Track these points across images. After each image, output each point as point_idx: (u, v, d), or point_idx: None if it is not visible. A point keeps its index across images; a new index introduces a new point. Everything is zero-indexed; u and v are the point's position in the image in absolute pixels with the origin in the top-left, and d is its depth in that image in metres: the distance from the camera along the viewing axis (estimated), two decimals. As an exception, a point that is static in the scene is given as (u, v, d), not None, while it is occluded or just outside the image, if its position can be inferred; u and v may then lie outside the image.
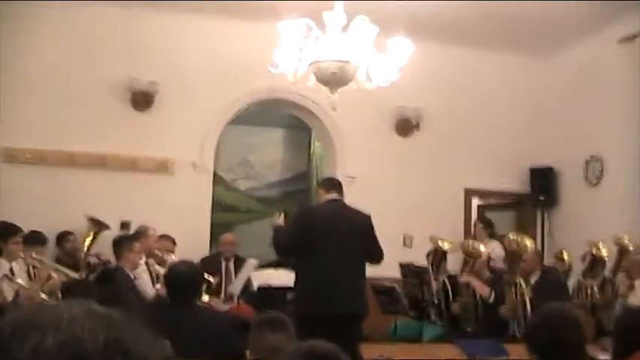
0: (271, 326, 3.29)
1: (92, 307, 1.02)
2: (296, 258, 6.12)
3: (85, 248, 7.98)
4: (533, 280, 6.56)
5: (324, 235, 5.95)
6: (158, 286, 6.68)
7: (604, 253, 7.17)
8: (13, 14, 8.30)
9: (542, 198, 9.70)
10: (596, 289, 6.97)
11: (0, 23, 8.20)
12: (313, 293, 5.88)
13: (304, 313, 5.75)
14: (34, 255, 6.49)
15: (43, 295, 5.91)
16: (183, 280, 4.58)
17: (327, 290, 5.85)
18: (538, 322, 3.10)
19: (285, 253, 6.46)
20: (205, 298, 6.38)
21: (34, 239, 6.96)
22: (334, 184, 6.40)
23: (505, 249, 6.84)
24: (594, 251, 7.18)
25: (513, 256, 6.53)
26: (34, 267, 6.45)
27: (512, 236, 6.83)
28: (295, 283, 6.11)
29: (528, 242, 6.60)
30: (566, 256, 7.83)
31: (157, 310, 5.29)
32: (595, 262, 7.18)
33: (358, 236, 6.11)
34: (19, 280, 6.03)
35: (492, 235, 8.95)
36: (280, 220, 6.33)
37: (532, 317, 3.23)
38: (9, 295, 5.97)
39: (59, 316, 0.97)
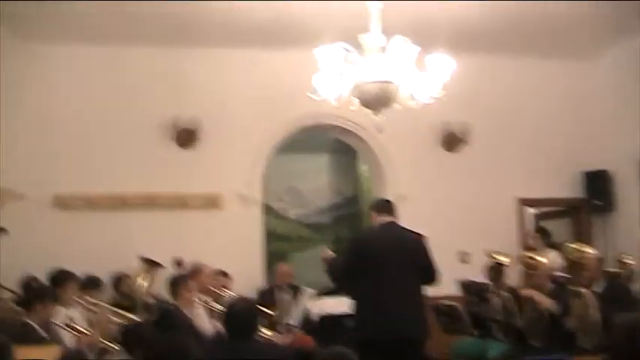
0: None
1: None
2: (353, 285, 5.99)
3: (142, 289, 7.97)
4: (597, 288, 6.36)
5: (379, 259, 5.85)
6: (216, 323, 6.62)
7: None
8: (60, 56, 8.43)
9: (597, 202, 9.48)
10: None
11: (47, 68, 8.33)
12: (371, 319, 5.76)
13: (365, 340, 5.65)
14: (91, 299, 6.51)
15: (105, 341, 5.91)
16: (240, 317, 4.56)
17: (385, 315, 5.74)
18: (621, 335, 2.94)
19: (342, 281, 6.33)
20: (265, 331, 6.28)
21: (90, 284, 7.00)
22: (386, 206, 6.28)
23: (566, 258, 6.64)
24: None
25: (575, 265, 6.33)
26: (92, 312, 6.47)
27: (571, 245, 6.65)
28: (355, 309, 5.99)
29: (589, 250, 6.42)
30: (627, 261, 7.60)
31: (218, 348, 5.25)
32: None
33: (413, 258, 5.99)
34: (79, 327, 6.04)
35: (550, 245, 8.77)
36: (328, 252, 6.27)
37: (614, 330, 3.06)
38: (69, 342, 5.98)
39: None
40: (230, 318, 4.63)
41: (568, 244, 6.77)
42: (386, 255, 5.90)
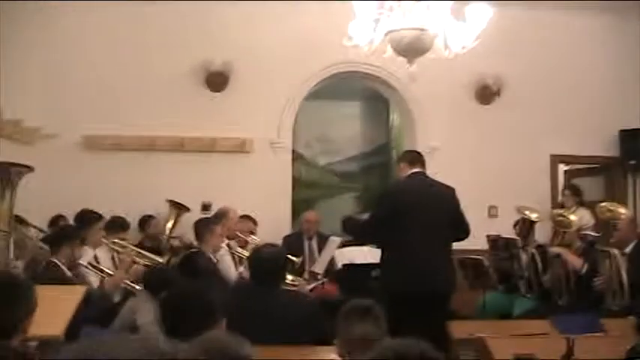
0: (360, 315, 3.15)
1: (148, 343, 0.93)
2: (384, 236, 5.94)
3: (168, 232, 8.02)
4: (628, 249, 6.26)
5: (413, 211, 5.83)
6: (241, 268, 6.62)
7: None
8: (92, 5, 8.36)
9: (632, 162, 9.30)
10: None
11: (79, 10, 8.28)
12: (404, 271, 5.75)
13: (395, 291, 5.67)
14: (116, 241, 6.53)
15: (128, 282, 5.94)
16: (267, 264, 4.50)
17: (418, 268, 5.74)
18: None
19: (373, 234, 6.27)
20: (289, 277, 6.26)
21: (116, 225, 7.02)
22: (417, 158, 6.23)
23: (597, 218, 6.52)
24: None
25: (606, 225, 6.22)
26: (117, 253, 6.50)
27: (604, 204, 6.53)
28: (384, 261, 5.97)
29: (622, 210, 6.30)
30: (661, 222, 7.47)
31: (242, 294, 5.24)
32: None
33: (445, 211, 5.99)
34: (104, 268, 6.08)
35: (581, 203, 8.65)
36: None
37: None
38: (95, 282, 6.03)
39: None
40: (256, 264, 4.58)
41: (601, 204, 6.65)
42: (420, 207, 5.88)
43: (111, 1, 8.40)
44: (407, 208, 5.83)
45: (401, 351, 2.19)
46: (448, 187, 6.10)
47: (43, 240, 6.48)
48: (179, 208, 8.09)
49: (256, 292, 4.49)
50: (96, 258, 6.22)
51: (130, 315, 4.02)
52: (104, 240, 6.52)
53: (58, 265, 5.61)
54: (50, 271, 5.52)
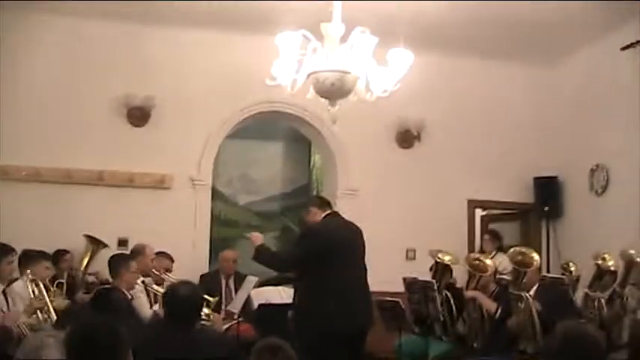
0: (271, 354, 3.12)
1: None
2: (308, 277, 5.94)
3: (83, 267, 7.84)
4: (538, 293, 6.37)
5: (338, 250, 5.93)
6: (156, 306, 6.50)
7: (610, 264, 6.98)
8: (15, 24, 8.21)
9: (546, 208, 9.55)
10: (603, 302, 6.76)
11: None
12: (336, 311, 5.76)
13: (321, 330, 5.69)
14: (33, 279, 6.33)
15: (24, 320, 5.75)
16: (183, 303, 4.41)
17: (348, 307, 5.82)
18: (555, 345, 2.91)
19: (294, 268, 6.23)
20: (205, 311, 6.18)
21: (28, 259, 6.81)
22: (325, 201, 6.46)
23: (510, 262, 6.64)
24: (599, 262, 6.99)
25: (518, 269, 6.35)
26: (36, 285, 6.29)
27: (516, 249, 6.67)
28: (307, 303, 5.94)
29: (535, 256, 6.44)
30: (572, 268, 7.64)
31: (157, 332, 5.14)
32: (601, 274, 6.98)
33: (362, 247, 6.17)
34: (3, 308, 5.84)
35: (501, 248, 8.82)
36: (259, 237, 6.22)
37: (548, 339, 3.03)
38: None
39: None
40: (172, 302, 4.48)
41: (513, 248, 6.78)
42: (343, 246, 6.00)
43: (36, 15, 8.28)
44: (333, 247, 5.90)
45: None
46: (356, 225, 6.26)
47: None
48: (96, 243, 7.92)
49: (171, 330, 4.41)
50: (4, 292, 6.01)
51: (35, 351, 3.88)
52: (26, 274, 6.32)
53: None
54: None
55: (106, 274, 7.08)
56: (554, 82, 9.72)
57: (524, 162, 9.65)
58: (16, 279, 6.31)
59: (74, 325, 3.35)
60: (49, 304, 5.89)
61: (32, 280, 6.14)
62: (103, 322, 3.34)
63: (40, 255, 6.79)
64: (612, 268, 6.91)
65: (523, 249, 6.70)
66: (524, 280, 6.30)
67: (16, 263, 6.65)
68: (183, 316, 4.40)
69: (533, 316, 6.00)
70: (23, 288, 6.24)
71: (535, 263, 6.42)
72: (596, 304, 6.75)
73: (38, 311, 5.90)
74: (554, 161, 9.58)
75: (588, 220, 9.02)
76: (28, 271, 6.20)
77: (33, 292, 6.11)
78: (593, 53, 9.05)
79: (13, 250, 6.60)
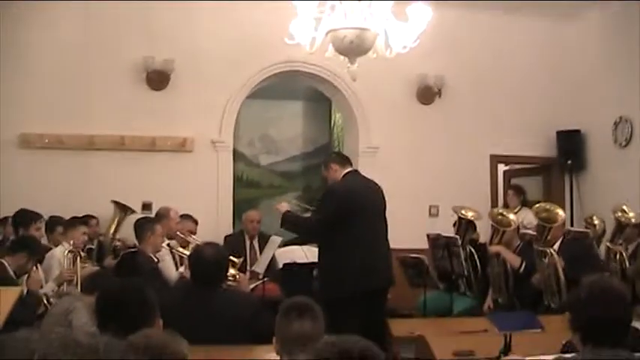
0: (298, 313, 3.14)
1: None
2: (332, 236, 5.95)
3: (111, 233, 7.88)
4: (563, 247, 6.36)
5: (361, 210, 5.95)
6: (182, 268, 6.56)
7: (630, 216, 6.92)
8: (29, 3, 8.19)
9: (569, 162, 9.47)
10: (625, 255, 6.71)
11: (15, 6, 8.10)
12: (357, 269, 5.81)
13: (344, 291, 5.73)
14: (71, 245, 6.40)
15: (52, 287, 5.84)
16: (209, 264, 4.46)
17: (372, 264, 5.87)
18: (582, 299, 2.91)
19: (320, 236, 6.20)
20: (231, 271, 6.18)
21: (54, 225, 6.91)
22: (346, 158, 6.43)
23: (535, 218, 6.61)
24: (619, 215, 6.93)
25: (543, 225, 6.32)
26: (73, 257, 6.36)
27: (541, 204, 6.64)
28: (332, 261, 5.98)
29: (560, 212, 6.42)
30: (596, 221, 7.62)
31: (183, 294, 5.20)
32: (621, 227, 6.91)
33: (383, 205, 6.19)
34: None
35: (525, 203, 8.80)
36: (284, 205, 6.30)
37: (573, 293, 3.02)
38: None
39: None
40: (198, 264, 4.54)
41: (538, 204, 6.75)
42: (366, 205, 6.02)
43: (52, 0, 8.25)
44: (355, 207, 5.92)
45: (343, 347, 2.19)
46: (376, 182, 6.28)
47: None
48: (124, 209, 7.95)
49: (197, 291, 4.45)
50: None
51: (64, 316, 3.94)
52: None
53: (6, 268, 5.52)
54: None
55: (131, 239, 7.15)
56: (576, 35, 9.57)
57: (546, 115, 9.55)
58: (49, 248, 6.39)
59: (102, 288, 3.40)
60: (78, 277, 5.97)
61: (71, 252, 6.23)
62: (131, 283, 3.38)
63: (77, 220, 6.90)
64: (633, 221, 6.85)
65: (548, 205, 6.69)
66: (548, 237, 6.29)
67: (43, 229, 6.78)
68: (209, 278, 4.45)
69: (557, 271, 6.00)
70: (63, 255, 6.34)
71: (560, 219, 6.40)
72: (617, 257, 6.70)
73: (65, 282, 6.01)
74: (577, 114, 9.46)
75: (612, 173, 8.95)
76: (72, 241, 6.29)
77: (73, 264, 6.20)
78: (618, 5, 8.89)
79: (40, 216, 6.71)
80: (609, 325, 2.84)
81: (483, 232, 7.73)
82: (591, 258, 6.36)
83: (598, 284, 2.89)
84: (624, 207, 6.92)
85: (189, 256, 5.07)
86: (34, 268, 5.76)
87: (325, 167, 6.36)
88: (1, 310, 3.98)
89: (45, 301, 5.47)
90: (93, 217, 7.86)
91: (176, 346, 2.31)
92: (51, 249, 6.45)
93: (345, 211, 5.86)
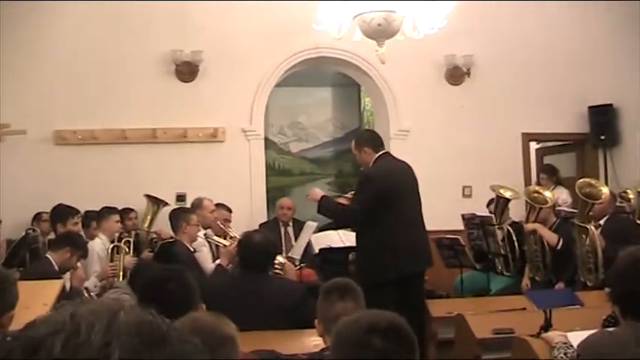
0: (340, 294, 3.16)
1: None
2: (370, 220, 5.90)
3: (146, 226, 7.95)
4: (601, 222, 6.31)
5: (399, 193, 5.94)
6: (218, 260, 6.56)
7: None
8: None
9: (602, 137, 9.38)
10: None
11: (45, 4, 8.19)
12: (402, 252, 5.81)
13: (388, 275, 5.72)
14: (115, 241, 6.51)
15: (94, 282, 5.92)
16: (257, 251, 4.54)
17: (412, 247, 5.87)
18: (621, 270, 2.87)
19: (360, 222, 6.15)
20: (279, 259, 6.12)
21: (90, 220, 7.01)
22: (379, 139, 6.31)
23: (578, 193, 6.50)
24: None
25: (586, 201, 6.21)
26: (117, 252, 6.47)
27: (584, 180, 6.56)
28: (372, 245, 5.94)
29: (603, 189, 6.36)
30: (631, 195, 7.54)
31: (228, 280, 5.27)
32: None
33: (417, 187, 6.16)
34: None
35: (558, 182, 8.74)
36: (317, 191, 6.32)
37: (615, 265, 2.99)
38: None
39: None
40: (246, 250, 4.62)
41: (581, 179, 6.68)
42: (403, 189, 6.01)
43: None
44: (394, 190, 5.91)
45: (370, 320, 2.19)
46: (407, 163, 6.26)
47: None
48: (157, 202, 8.01)
49: (244, 277, 4.52)
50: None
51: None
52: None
53: (51, 263, 5.60)
54: (41, 266, 5.53)
55: (167, 231, 7.22)
56: (606, 8, 9.46)
57: (577, 91, 9.46)
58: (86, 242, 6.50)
59: (143, 278, 3.44)
60: (120, 273, 6.07)
61: (115, 247, 6.33)
62: (172, 269, 3.42)
63: (108, 210, 6.99)
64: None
65: (592, 181, 6.61)
66: (590, 212, 6.21)
67: (80, 224, 6.88)
68: (256, 263, 4.53)
69: (596, 248, 5.95)
70: (102, 247, 6.42)
71: (604, 196, 6.31)
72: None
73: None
74: (609, 89, 9.35)
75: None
76: (112, 235, 6.41)
77: (111, 259, 6.30)
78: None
79: (77, 211, 6.80)
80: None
81: (515, 213, 7.69)
82: (632, 233, 6.28)
83: (633, 254, 2.85)
84: None
85: (238, 242, 5.13)
86: (78, 264, 5.84)
87: (358, 149, 6.22)
88: (47, 303, 4.05)
89: (87, 295, 5.55)
90: (131, 209, 7.95)
91: (225, 328, 2.34)
92: (87, 243, 6.54)
93: (384, 194, 5.83)
